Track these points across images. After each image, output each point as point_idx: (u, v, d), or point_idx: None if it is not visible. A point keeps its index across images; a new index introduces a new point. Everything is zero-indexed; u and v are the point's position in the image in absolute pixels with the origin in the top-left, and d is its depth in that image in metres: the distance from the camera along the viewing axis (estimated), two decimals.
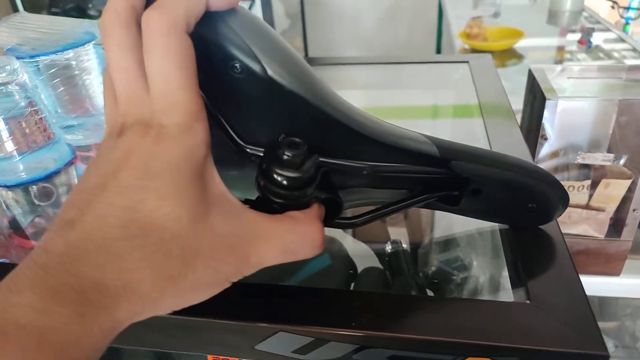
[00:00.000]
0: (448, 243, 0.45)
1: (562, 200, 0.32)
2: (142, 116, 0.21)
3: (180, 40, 0.20)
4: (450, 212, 0.33)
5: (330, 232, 0.44)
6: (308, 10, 2.61)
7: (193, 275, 0.20)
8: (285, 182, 0.23)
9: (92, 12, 2.16)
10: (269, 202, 0.24)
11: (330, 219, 0.27)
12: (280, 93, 0.23)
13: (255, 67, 0.23)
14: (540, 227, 0.34)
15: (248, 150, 0.25)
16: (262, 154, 0.25)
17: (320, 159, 0.25)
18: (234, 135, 0.25)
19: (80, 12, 2.11)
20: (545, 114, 0.54)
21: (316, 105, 0.25)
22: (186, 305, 0.21)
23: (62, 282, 0.18)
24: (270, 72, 0.23)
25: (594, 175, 0.58)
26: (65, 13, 2.06)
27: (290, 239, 0.23)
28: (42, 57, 0.45)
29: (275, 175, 0.23)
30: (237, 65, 0.23)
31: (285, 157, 0.23)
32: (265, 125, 0.25)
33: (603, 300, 0.85)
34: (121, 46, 0.21)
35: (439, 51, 2.41)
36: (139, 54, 0.21)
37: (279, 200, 0.24)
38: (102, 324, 0.19)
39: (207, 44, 0.22)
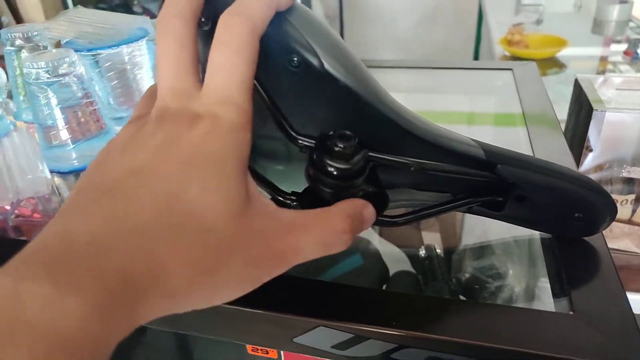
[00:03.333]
0: (483, 250, 0.45)
1: (610, 211, 0.32)
2: (189, 107, 0.21)
3: (255, 43, 0.21)
4: (493, 218, 0.33)
5: (364, 233, 0.44)
6: (346, 13, 2.61)
7: (227, 271, 0.19)
8: (335, 173, 0.23)
9: (136, 9, 2.23)
10: (318, 191, 0.24)
11: (376, 214, 0.28)
12: (335, 87, 0.24)
13: (313, 61, 0.24)
14: (585, 238, 0.34)
15: (300, 141, 0.26)
16: (313, 145, 0.26)
17: (370, 154, 0.26)
18: (287, 127, 0.26)
19: (126, 9, 2.18)
20: (592, 125, 0.53)
21: (368, 101, 0.25)
22: (212, 304, 0.20)
23: (84, 270, 0.16)
24: (327, 66, 0.24)
25: (639, 190, 0.57)
26: (112, 9, 2.13)
27: (322, 233, 0.22)
28: (99, 51, 0.47)
29: (325, 166, 0.24)
30: (295, 58, 0.24)
31: (336, 148, 0.23)
32: (318, 118, 0.26)
33: None
34: (180, 41, 0.21)
35: (476, 57, 2.37)
36: (194, 53, 0.22)
37: (328, 190, 0.24)
38: (122, 323, 0.17)
39: (266, 37, 0.23)
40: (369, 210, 0.24)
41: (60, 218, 0.18)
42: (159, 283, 0.18)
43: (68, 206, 0.19)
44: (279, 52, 0.24)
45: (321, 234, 0.22)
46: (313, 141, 0.26)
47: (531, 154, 0.44)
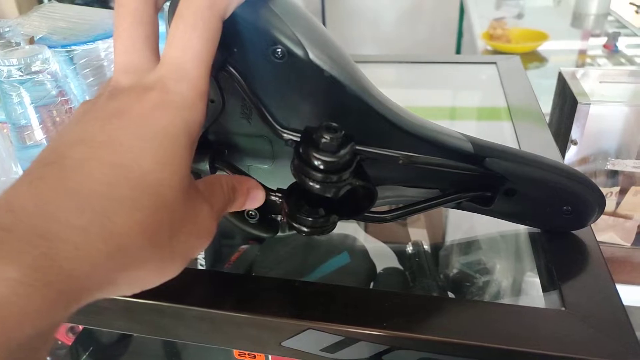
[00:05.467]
0: (470, 245, 0.44)
1: (599, 203, 0.31)
2: (141, 81, 0.20)
3: (214, 20, 0.20)
4: (483, 214, 0.33)
5: (350, 231, 0.44)
6: (328, 8, 2.60)
7: (177, 246, 0.19)
8: (321, 166, 0.23)
9: (113, 4, 2.18)
10: (305, 186, 0.24)
11: (364, 210, 0.27)
12: (321, 78, 0.24)
13: (298, 51, 0.23)
14: (573, 232, 0.33)
15: (285, 135, 0.25)
16: (298, 139, 0.25)
17: (357, 147, 0.25)
18: (271, 120, 0.25)
19: (102, 3, 2.13)
20: (576, 118, 0.53)
21: (355, 93, 0.25)
22: (151, 286, 0.20)
23: (30, 245, 0.15)
24: (312, 56, 0.23)
25: (623, 182, 0.57)
26: (88, 4, 2.08)
27: (225, 197, 0.23)
28: (74, 47, 0.45)
29: (311, 159, 0.23)
30: (279, 49, 0.23)
31: (322, 140, 0.23)
32: (303, 111, 0.25)
33: (627, 310, 0.83)
34: (135, 18, 0.21)
35: (458, 51, 2.39)
36: (151, 31, 0.21)
37: (315, 184, 0.23)
38: (67, 296, 0.16)
39: (248, 27, 0.22)
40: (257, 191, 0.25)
41: (7, 191, 0.17)
42: (115, 260, 0.17)
43: (16, 181, 0.18)
44: (262, 43, 0.23)
45: (224, 197, 0.23)
46: (299, 134, 0.25)
47: (517, 148, 0.43)
